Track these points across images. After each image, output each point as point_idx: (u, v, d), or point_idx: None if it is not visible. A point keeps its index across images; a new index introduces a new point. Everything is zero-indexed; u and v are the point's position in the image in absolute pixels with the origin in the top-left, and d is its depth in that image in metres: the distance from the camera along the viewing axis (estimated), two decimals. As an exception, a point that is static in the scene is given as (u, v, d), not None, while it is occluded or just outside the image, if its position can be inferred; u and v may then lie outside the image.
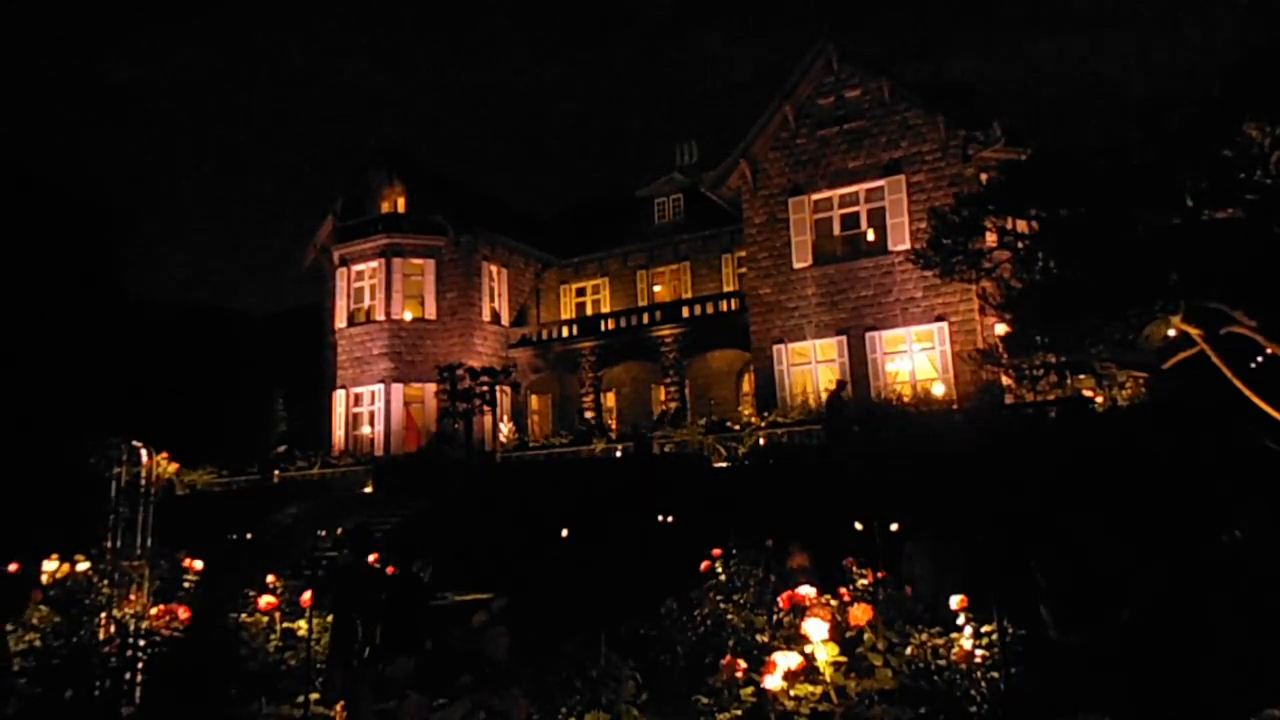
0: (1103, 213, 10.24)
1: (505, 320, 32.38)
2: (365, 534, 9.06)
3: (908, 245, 21.57)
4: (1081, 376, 14.87)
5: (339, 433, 30.21)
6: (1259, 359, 10.37)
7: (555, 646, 6.18)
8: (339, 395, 30.52)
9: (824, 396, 23.29)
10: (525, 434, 29.70)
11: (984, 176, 20.53)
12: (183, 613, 8.59)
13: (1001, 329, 14.66)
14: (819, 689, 5.26)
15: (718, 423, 22.43)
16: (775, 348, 24.71)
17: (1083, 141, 12.35)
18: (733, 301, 28.08)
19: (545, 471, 23.00)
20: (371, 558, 13.74)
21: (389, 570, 11.11)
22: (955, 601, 6.92)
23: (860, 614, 6.16)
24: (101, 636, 7.79)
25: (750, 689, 5.59)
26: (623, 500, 17.73)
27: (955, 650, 6.44)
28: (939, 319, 22.67)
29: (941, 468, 13.75)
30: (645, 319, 29.79)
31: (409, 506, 21.66)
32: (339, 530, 18.49)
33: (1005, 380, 17.64)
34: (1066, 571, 7.34)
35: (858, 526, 10.30)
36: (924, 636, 6.68)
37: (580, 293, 34.59)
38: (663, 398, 29.34)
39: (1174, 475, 10.58)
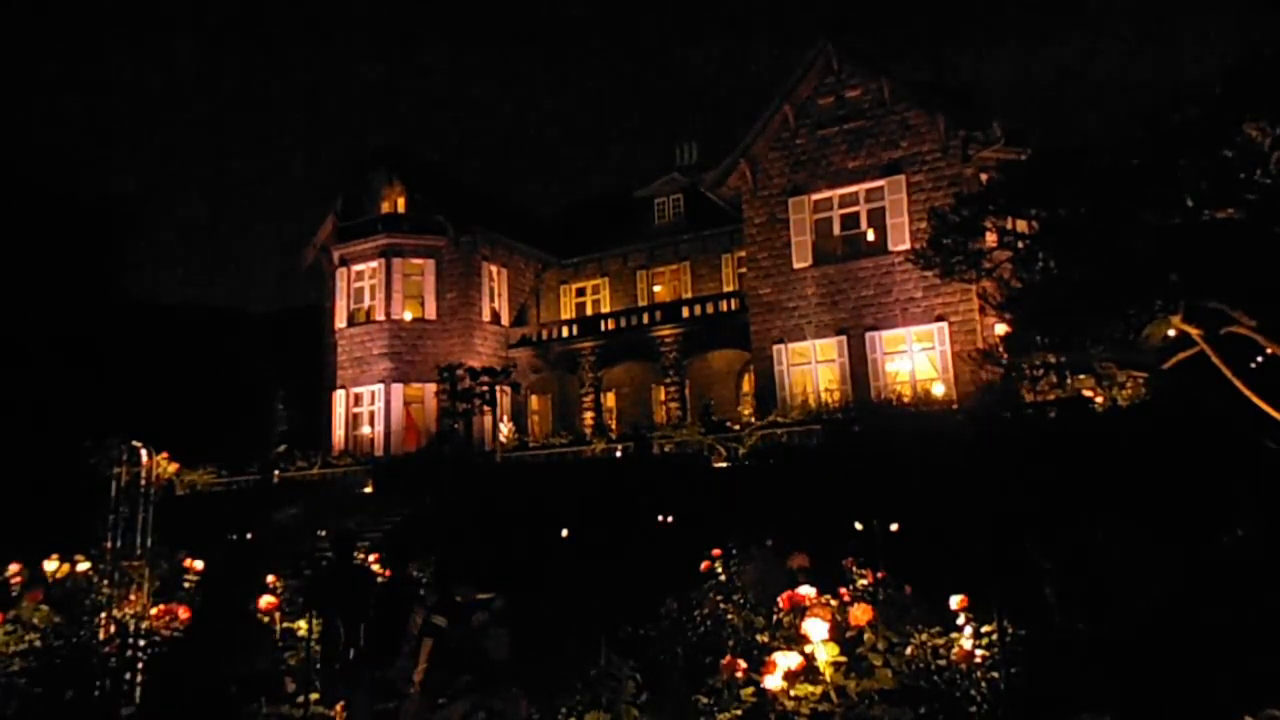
0: (1103, 212, 10.23)
1: (505, 320, 32.37)
2: (348, 537, 9.08)
3: (908, 245, 21.56)
4: (1081, 376, 14.84)
5: (339, 433, 30.20)
6: (1259, 359, 10.36)
7: (555, 646, 6.19)
8: (339, 395, 30.51)
9: (824, 397, 23.31)
10: (525, 434, 29.68)
11: (984, 176, 20.55)
12: (183, 613, 8.58)
13: (1001, 329, 14.66)
14: (819, 689, 5.27)
15: (718, 423, 22.42)
16: (775, 348, 24.70)
17: (1083, 141, 12.34)
18: (733, 301, 28.07)
19: (545, 471, 22.98)
20: (372, 558, 13.75)
21: (386, 572, 11.10)
22: (955, 601, 6.91)
23: (860, 614, 6.16)
24: (101, 636, 7.79)
25: (750, 689, 5.59)
26: (623, 500, 17.72)
27: (955, 650, 6.43)
28: (939, 319, 22.66)
29: (941, 467, 13.75)
30: (645, 319, 29.79)
31: (409, 507, 21.65)
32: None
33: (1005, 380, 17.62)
34: (1075, 571, 7.33)
35: (858, 526, 10.29)
36: (924, 636, 6.67)
37: (580, 293, 34.58)
38: (663, 398, 29.32)
39: (1174, 475, 10.58)
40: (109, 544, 8.35)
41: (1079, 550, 7.71)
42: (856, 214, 24.34)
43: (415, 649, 6.70)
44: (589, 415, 29.87)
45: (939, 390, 21.59)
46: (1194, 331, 10.02)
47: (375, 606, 8.00)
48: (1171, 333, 10.53)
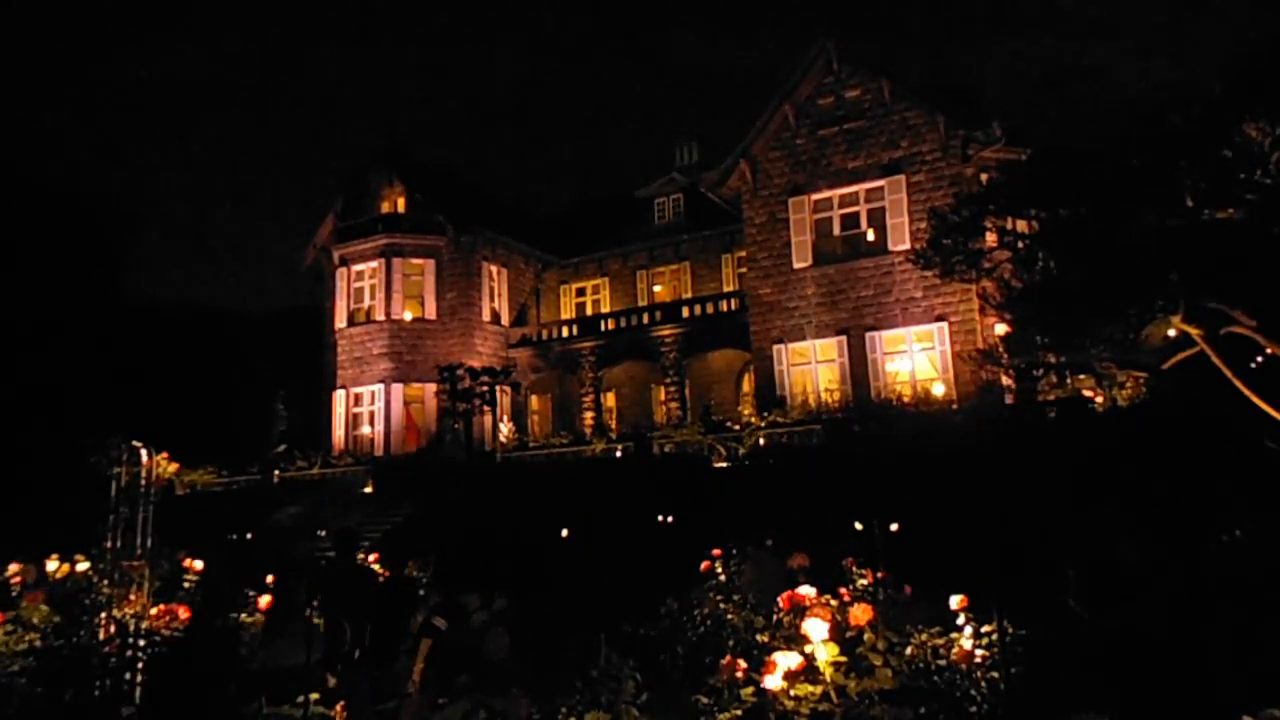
0: (1103, 213, 10.24)
1: (505, 320, 32.38)
2: (349, 536, 9.08)
3: (908, 245, 21.56)
4: (1081, 376, 14.87)
5: (339, 433, 30.20)
6: (1259, 359, 10.37)
7: (555, 646, 6.18)
8: (339, 395, 30.51)
9: (824, 397, 23.31)
10: (525, 434, 29.68)
11: (984, 176, 20.55)
12: (183, 613, 8.58)
13: (1001, 329, 14.66)
14: (819, 689, 5.26)
15: (718, 423, 22.42)
16: (775, 348, 24.70)
17: (1083, 142, 12.33)
18: (733, 301, 28.07)
19: (545, 471, 22.99)
20: (372, 558, 13.75)
21: (386, 572, 11.11)
22: (955, 601, 6.91)
23: (860, 614, 6.16)
24: (101, 636, 7.78)
25: (750, 689, 5.58)
26: (623, 500, 17.73)
27: (955, 650, 6.42)
28: (939, 319, 22.66)
29: (941, 467, 13.75)
30: (645, 319, 29.79)
31: (409, 507, 21.66)
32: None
33: (1005, 380, 17.64)
34: (1073, 570, 7.33)
35: (858, 526, 10.29)
36: (924, 636, 6.66)
37: (580, 293, 34.58)
38: (663, 398, 29.32)
39: (1174, 475, 10.58)
40: (109, 544, 8.33)
41: (1079, 550, 7.72)
42: (856, 214, 24.34)
43: (414, 649, 6.71)
44: (589, 415, 29.87)
45: (939, 390, 21.60)
46: (1194, 331, 10.03)
47: (376, 606, 8.01)
48: (1171, 333, 10.54)
